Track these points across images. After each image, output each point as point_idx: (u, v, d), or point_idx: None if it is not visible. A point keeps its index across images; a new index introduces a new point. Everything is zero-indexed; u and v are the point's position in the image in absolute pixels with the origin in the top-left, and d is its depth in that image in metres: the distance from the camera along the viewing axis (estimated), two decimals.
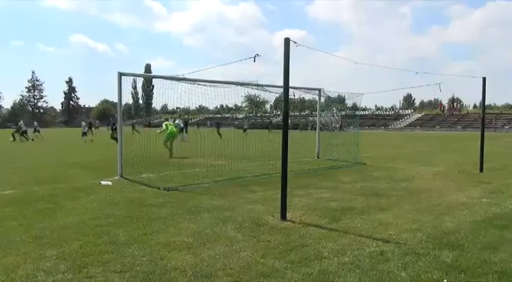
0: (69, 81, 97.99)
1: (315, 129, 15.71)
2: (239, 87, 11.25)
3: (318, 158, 14.11)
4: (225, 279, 3.59)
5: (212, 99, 10.44)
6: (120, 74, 9.51)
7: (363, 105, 67.36)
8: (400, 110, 76.54)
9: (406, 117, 65.93)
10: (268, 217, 5.70)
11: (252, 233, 4.96)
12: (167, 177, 9.33)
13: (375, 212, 6.02)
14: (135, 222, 5.44)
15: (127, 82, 9.81)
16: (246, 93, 17.96)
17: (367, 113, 69.21)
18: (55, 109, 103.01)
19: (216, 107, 71.01)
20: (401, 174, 10.17)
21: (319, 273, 3.68)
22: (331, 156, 13.83)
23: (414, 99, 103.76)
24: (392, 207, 6.37)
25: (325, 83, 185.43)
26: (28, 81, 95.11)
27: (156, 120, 61.32)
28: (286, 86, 5.71)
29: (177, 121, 29.22)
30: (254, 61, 6.97)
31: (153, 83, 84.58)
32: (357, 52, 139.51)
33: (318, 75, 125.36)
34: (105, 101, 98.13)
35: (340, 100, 18.82)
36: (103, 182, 8.77)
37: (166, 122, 15.86)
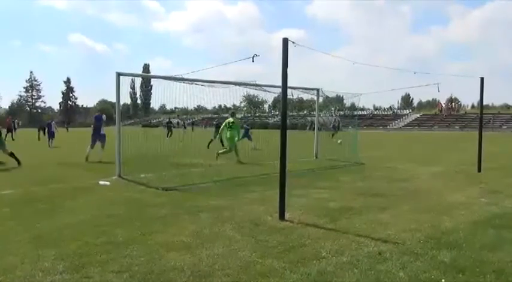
0: (67, 81, 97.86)
1: (314, 129, 15.71)
2: (237, 87, 11.26)
3: (316, 158, 14.12)
4: (223, 279, 3.58)
5: (210, 99, 10.45)
6: (118, 74, 9.48)
7: (361, 105, 67.51)
8: (399, 110, 76.73)
9: (404, 117, 66.13)
10: (267, 217, 5.70)
11: (251, 233, 4.96)
12: (166, 177, 9.32)
13: (373, 212, 6.03)
14: (133, 222, 5.43)
15: (125, 82, 9.80)
16: (245, 93, 17.96)
17: (365, 113, 69.36)
18: (53, 109, 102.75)
19: (215, 107, 71.11)
20: (399, 174, 10.18)
21: (317, 273, 3.68)
22: (329, 156, 13.84)
23: (412, 99, 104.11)
24: (390, 207, 6.38)
25: (324, 82, 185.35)
26: (26, 81, 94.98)
27: (155, 120, 61.24)
28: (284, 86, 5.71)
29: (176, 120, 28.80)
30: (253, 61, 7.00)
31: (151, 83, 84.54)
32: (356, 52, 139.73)
33: (316, 75, 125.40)
34: (103, 101, 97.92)
35: (339, 100, 18.84)
36: (101, 182, 8.75)
37: (230, 119, 13.60)
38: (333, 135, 26.35)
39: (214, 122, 21.03)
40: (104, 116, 14.24)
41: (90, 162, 12.78)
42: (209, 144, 18.24)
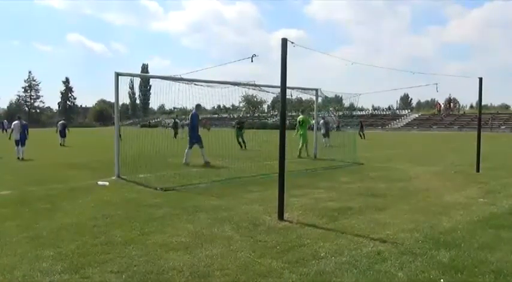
0: (66, 81, 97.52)
1: (312, 129, 15.72)
2: (236, 87, 11.26)
3: (315, 158, 14.13)
4: (222, 279, 3.58)
5: (209, 99, 10.45)
6: (117, 74, 9.49)
7: (360, 105, 67.46)
8: (397, 110, 76.78)
9: (403, 118, 66.05)
10: (266, 217, 5.70)
11: (250, 233, 4.96)
12: (164, 178, 9.32)
13: (372, 212, 6.03)
14: (132, 223, 5.43)
15: (124, 82, 9.81)
16: (244, 93, 17.92)
17: (364, 113, 69.33)
18: (52, 109, 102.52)
19: (214, 107, 71.02)
20: (398, 174, 10.19)
21: (316, 273, 3.69)
22: (328, 156, 13.85)
23: (411, 99, 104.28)
24: (389, 207, 6.38)
25: (323, 82, 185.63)
26: (24, 81, 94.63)
27: (154, 121, 61.07)
28: (283, 86, 5.72)
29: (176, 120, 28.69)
30: (252, 61, 7.00)
31: (150, 83, 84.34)
32: (355, 52, 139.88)
33: (315, 75, 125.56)
34: (102, 101, 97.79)
35: (337, 100, 18.86)
36: (100, 183, 8.74)
37: (300, 117, 15.05)
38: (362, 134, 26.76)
39: (235, 121, 20.22)
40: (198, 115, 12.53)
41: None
42: (243, 145, 18.17)
